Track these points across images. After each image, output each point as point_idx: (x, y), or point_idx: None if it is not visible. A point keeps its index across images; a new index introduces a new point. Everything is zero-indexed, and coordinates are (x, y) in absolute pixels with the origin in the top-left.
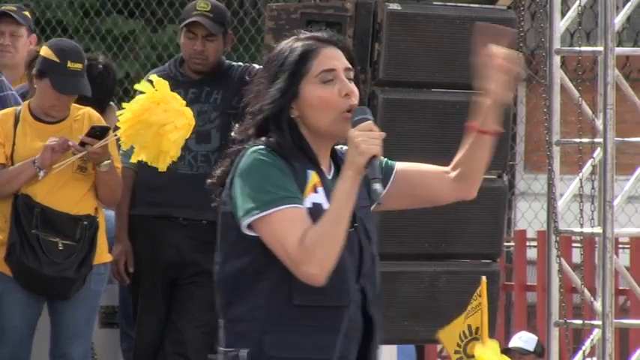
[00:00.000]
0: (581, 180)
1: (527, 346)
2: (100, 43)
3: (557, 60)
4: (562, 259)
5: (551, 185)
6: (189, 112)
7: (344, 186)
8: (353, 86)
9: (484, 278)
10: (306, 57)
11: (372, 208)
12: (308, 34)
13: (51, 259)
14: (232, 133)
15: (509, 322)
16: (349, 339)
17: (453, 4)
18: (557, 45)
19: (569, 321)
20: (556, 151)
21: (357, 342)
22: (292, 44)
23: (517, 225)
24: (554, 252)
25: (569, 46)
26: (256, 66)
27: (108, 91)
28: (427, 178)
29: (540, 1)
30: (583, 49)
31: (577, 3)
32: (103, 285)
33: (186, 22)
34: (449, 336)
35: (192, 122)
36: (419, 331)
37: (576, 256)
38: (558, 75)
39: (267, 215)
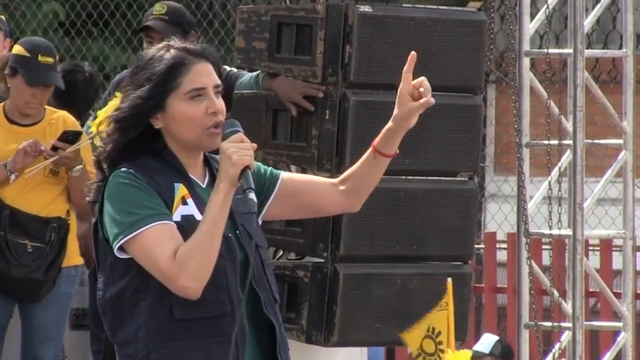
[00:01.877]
0: (550, 182)
1: (483, 348)
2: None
3: (526, 62)
4: (532, 261)
5: (521, 187)
6: None
7: (217, 198)
8: (221, 103)
9: (449, 280)
10: (175, 71)
11: (257, 218)
12: (180, 45)
13: (19, 261)
14: (98, 146)
15: (479, 325)
16: (240, 346)
17: (424, 6)
18: (526, 47)
19: (539, 323)
20: (526, 153)
21: (245, 348)
22: (163, 54)
23: (487, 227)
24: (524, 254)
25: (539, 48)
26: (227, 68)
27: (90, 98)
28: (313, 188)
29: (509, 4)
30: (552, 51)
31: (546, 5)
32: (73, 287)
33: (141, 26)
34: (412, 336)
35: None
36: (391, 332)
37: (546, 258)
38: (528, 77)
39: (135, 236)
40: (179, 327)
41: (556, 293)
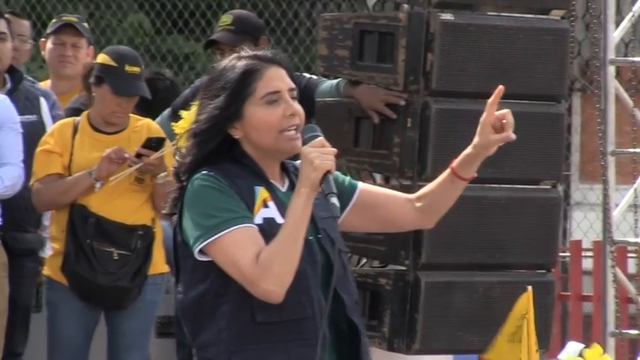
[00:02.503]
0: (635, 190)
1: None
2: (161, 62)
3: (611, 70)
4: (617, 269)
5: (606, 195)
6: None
7: (299, 202)
8: (297, 106)
9: (529, 288)
10: (249, 77)
11: (335, 224)
12: (250, 53)
13: (105, 269)
14: (176, 157)
15: (565, 333)
16: (320, 350)
17: (507, 14)
18: (611, 55)
19: (624, 331)
20: (611, 161)
21: (325, 352)
22: (234, 63)
23: (573, 235)
24: (609, 262)
25: (624, 56)
26: (307, 75)
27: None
28: (390, 202)
29: (594, 12)
30: (637, 59)
31: (631, 13)
32: (159, 295)
33: (208, 40)
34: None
35: None
36: (472, 341)
37: (632, 266)
38: (613, 85)
39: (217, 239)
40: (260, 330)
41: None
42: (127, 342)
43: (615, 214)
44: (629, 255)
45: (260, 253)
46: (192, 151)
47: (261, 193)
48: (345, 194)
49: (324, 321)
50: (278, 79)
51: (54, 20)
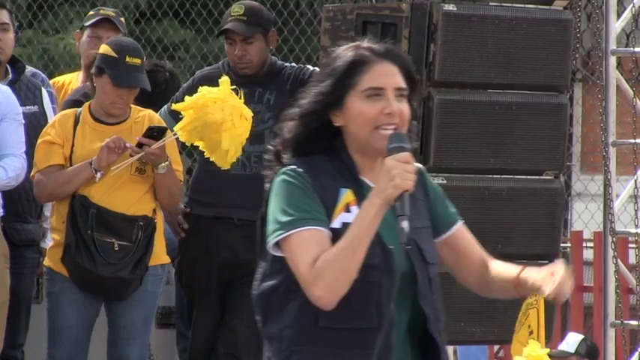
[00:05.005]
0: (636, 181)
1: (568, 348)
2: (151, 52)
3: (613, 61)
4: (618, 259)
5: (607, 186)
6: (247, 111)
7: (368, 213)
8: (399, 106)
9: None
10: (355, 68)
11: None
12: (366, 45)
13: (106, 260)
14: (272, 144)
15: (565, 323)
16: None
17: (509, 4)
18: (612, 46)
19: (625, 322)
20: (612, 151)
21: None
22: (347, 52)
23: (574, 226)
24: (610, 253)
25: (625, 46)
26: (310, 67)
27: (170, 98)
28: (471, 260)
29: (596, 2)
30: (639, 49)
31: (632, 4)
32: (160, 286)
33: (221, 30)
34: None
35: (250, 120)
36: (475, 331)
37: (632, 256)
38: (614, 76)
39: (287, 237)
40: (321, 334)
41: None
42: (128, 333)
43: (616, 204)
44: (630, 246)
45: (320, 257)
46: (295, 131)
47: (346, 196)
48: (442, 224)
49: (388, 333)
50: (386, 75)
51: (91, 13)
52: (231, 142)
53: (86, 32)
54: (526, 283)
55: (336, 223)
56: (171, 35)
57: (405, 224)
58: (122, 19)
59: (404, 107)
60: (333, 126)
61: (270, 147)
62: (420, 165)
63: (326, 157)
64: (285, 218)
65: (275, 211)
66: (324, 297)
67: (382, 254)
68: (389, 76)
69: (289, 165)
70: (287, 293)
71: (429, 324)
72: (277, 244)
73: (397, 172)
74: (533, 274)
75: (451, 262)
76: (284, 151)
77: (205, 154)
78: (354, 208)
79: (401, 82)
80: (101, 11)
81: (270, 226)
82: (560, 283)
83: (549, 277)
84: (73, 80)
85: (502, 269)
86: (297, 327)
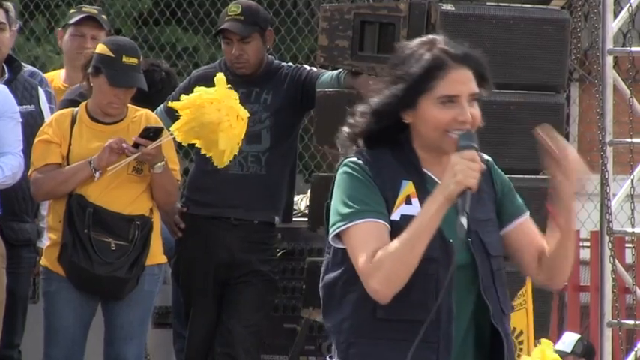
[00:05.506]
0: (632, 181)
1: (564, 347)
2: (159, 52)
3: (609, 60)
4: (615, 259)
5: (604, 185)
6: (243, 111)
7: (430, 209)
8: (472, 112)
9: (529, 278)
10: (432, 73)
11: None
12: (442, 45)
13: (103, 259)
14: (345, 129)
15: (562, 323)
16: (442, 353)
17: (507, 4)
18: (609, 45)
19: (621, 321)
20: (609, 151)
21: (449, 357)
22: (423, 52)
23: None
24: (607, 252)
25: (622, 46)
26: (307, 67)
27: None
28: (528, 250)
29: (593, 2)
30: (635, 49)
31: (629, 4)
32: (157, 286)
33: (218, 29)
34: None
35: (246, 120)
36: None
37: (629, 256)
38: (611, 75)
39: (347, 229)
40: (380, 326)
41: (639, 291)
42: (124, 332)
43: (613, 204)
44: (627, 245)
45: (379, 250)
46: (363, 125)
47: (407, 188)
48: (506, 217)
49: (448, 324)
50: (461, 82)
51: (73, 11)
52: (227, 142)
53: (69, 30)
54: (560, 214)
55: (395, 215)
56: (184, 41)
57: (463, 220)
58: (104, 16)
59: (475, 112)
60: (401, 122)
61: (343, 134)
62: (488, 157)
63: (389, 151)
64: (345, 210)
65: (336, 203)
66: (380, 290)
67: (442, 247)
68: (465, 82)
69: (350, 157)
70: (347, 285)
71: (492, 316)
72: (338, 236)
73: (460, 169)
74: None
75: (513, 255)
76: (354, 138)
77: (202, 151)
78: (415, 201)
79: (475, 88)
80: (84, 9)
81: (332, 218)
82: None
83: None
84: (55, 78)
85: (548, 239)
86: (355, 319)
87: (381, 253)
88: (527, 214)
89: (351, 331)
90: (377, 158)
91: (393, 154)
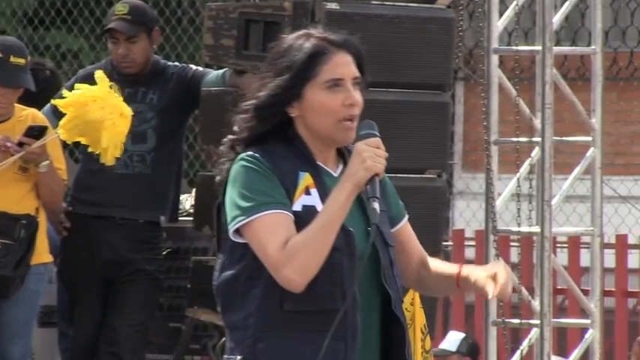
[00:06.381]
0: (518, 179)
1: (449, 346)
2: (44, 53)
3: (495, 59)
4: (500, 258)
5: (489, 184)
6: (127, 109)
7: (340, 196)
8: (358, 96)
9: None
10: (315, 60)
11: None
12: (320, 34)
13: None
14: (229, 137)
15: (447, 322)
16: (349, 343)
17: (392, 3)
18: (495, 44)
19: (507, 320)
20: (494, 150)
21: (355, 345)
22: (303, 42)
23: (455, 224)
24: (492, 251)
25: (507, 45)
26: (193, 67)
27: (51, 97)
28: (409, 254)
29: (478, 1)
30: (521, 48)
31: (515, 2)
32: (42, 285)
33: (105, 29)
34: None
35: (130, 118)
36: None
37: (514, 255)
38: (496, 74)
39: (250, 222)
40: (287, 318)
41: (524, 290)
42: (10, 331)
43: (498, 203)
44: (512, 244)
45: (289, 239)
46: (250, 124)
47: (305, 179)
48: (393, 214)
49: (353, 314)
50: (344, 65)
51: None
52: (110, 139)
53: None
54: (469, 280)
55: (297, 206)
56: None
57: (376, 205)
58: None
59: (359, 96)
60: (286, 116)
61: (225, 140)
62: None
63: (281, 144)
64: (247, 203)
65: (235, 197)
66: (296, 279)
67: (343, 236)
68: (347, 65)
69: (245, 152)
70: (250, 280)
71: (393, 305)
72: (238, 231)
73: (368, 155)
74: (475, 272)
75: (397, 255)
76: (238, 146)
77: (89, 148)
78: (314, 191)
79: (356, 72)
80: None
81: (231, 212)
82: (503, 284)
83: (492, 277)
84: None
85: (442, 266)
86: (261, 313)
87: (293, 242)
88: (407, 216)
89: (258, 325)
90: (271, 151)
91: (286, 147)
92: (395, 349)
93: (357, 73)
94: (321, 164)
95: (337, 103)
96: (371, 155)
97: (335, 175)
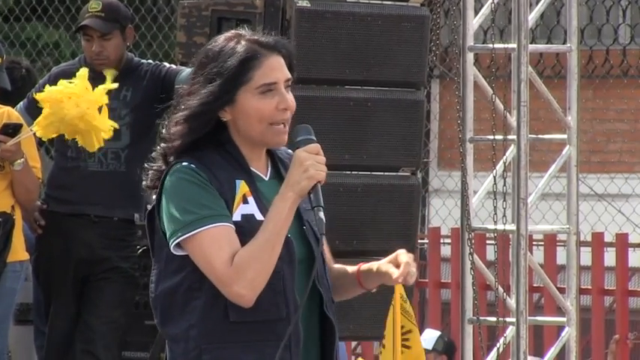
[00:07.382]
0: (494, 177)
1: (425, 344)
2: (20, 49)
3: (470, 57)
4: (475, 256)
5: (464, 182)
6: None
7: (283, 207)
8: (291, 98)
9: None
10: (247, 65)
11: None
12: (252, 37)
13: None
14: (160, 145)
15: (423, 320)
16: (293, 350)
17: (365, 1)
18: (470, 42)
19: (482, 318)
20: (469, 148)
21: (299, 352)
22: (234, 46)
23: (431, 222)
24: (467, 249)
25: (483, 43)
26: (167, 64)
27: (26, 95)
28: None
29: None
30: (496, 45)
31: (490, 0)
32: (18, 283)
33: (78, 26)
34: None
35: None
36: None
37: (490, 253)
38: (472, 72)
39: (193, 236)
40: (233, 329)
41: (500, 288)
42: None
43: (474, 201)
44: (488, 242)
45: (235, 254)
46: (183, 132)
47: (242, 187)
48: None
49: (296, 321)
50: (276, 69)
51: None
52: (104, 123)
53: None
54: (370, 273)
55: (236, 216)
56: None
57: (321, 215)
58: None
59: (292, 99)
60: (219, 120)
61: (158, 148)
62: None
63: (214, 150)
64: (188, 217)
65: (174, 211)
66: (246, 294)
67: (284, 245)
68: (280, 69)
69: (179, 162)
70: (190, 291)
71: (325, 305)
72: (179, 244)
73: (311, 164)
74: (376, 263)
75: None
76: (170, 155)
77: (67, 136)
78: (251, 199)
79: (288, 74)
80: None
81: (171, 226)
82: (406, 264)
83: (393, 261)
84: None
85: (344, 267)
86: (205, 325)
87: (240, 257)
88: None
89: (201, 337)
90: (206, 160)
91: (219, 154)
92: (327, 350)
93: (289, 75)
94: (254, 170)
95: (271, 107)
96: (312, 164)
97: (265, 179)
